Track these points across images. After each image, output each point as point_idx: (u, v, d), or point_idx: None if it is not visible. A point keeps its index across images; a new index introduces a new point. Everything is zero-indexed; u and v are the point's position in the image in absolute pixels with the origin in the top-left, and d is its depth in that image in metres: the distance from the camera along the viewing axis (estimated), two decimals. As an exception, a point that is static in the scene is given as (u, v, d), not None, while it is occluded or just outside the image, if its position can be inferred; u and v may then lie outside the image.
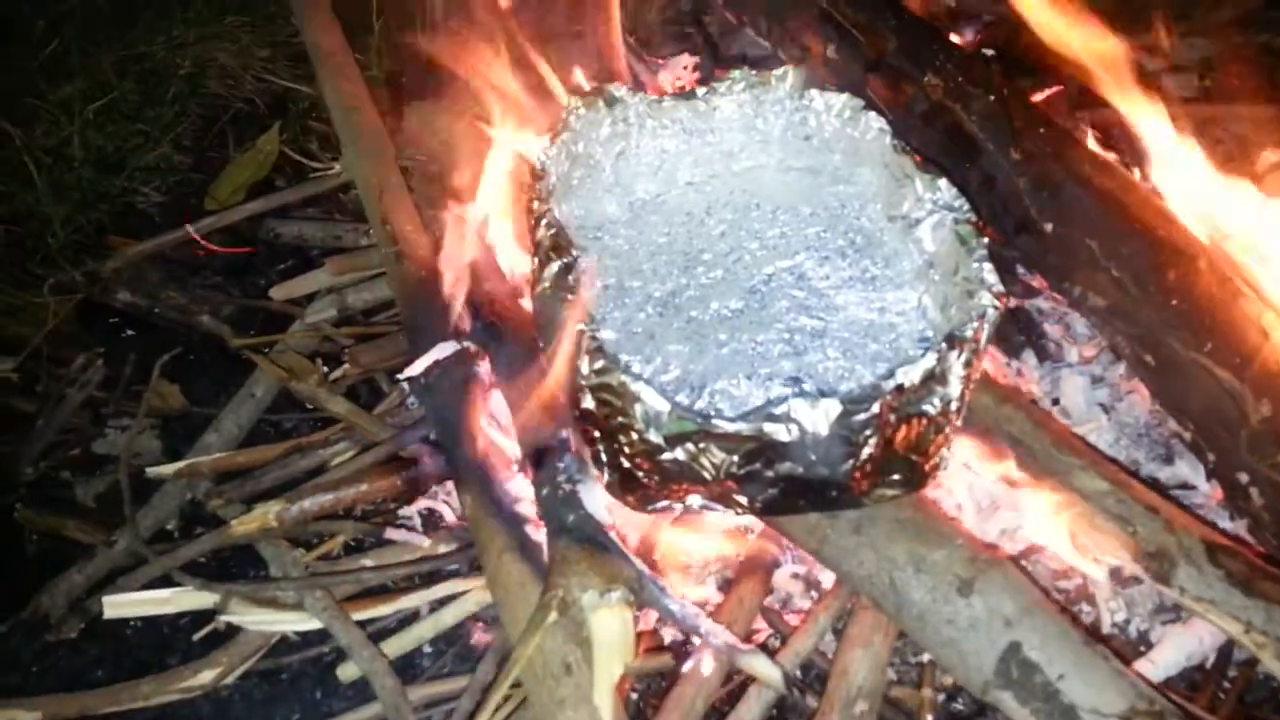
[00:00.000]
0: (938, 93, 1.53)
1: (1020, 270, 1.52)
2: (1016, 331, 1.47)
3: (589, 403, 1.06)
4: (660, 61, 2.02)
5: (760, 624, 1.29)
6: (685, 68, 1.96)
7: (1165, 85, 2.12)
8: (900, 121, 1.49)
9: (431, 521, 1.46)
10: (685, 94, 1.43)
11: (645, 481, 1.07)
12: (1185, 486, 1.38)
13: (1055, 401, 1.43)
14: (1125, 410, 1.45)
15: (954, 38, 1.68)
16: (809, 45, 1.70)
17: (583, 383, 1.06)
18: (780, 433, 0.97)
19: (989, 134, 1.49)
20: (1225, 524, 1.31)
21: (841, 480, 1.03)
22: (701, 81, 1.95)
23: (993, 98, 1.50)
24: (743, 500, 1.07)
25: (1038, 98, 1.63)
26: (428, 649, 1.37)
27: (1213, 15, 2.25)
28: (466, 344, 1.40)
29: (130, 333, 1.85)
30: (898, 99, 1.56)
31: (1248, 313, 1.28)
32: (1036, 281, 1.51)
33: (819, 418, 0.97)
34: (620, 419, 1.04)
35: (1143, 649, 1.23)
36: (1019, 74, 1.62)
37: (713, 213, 1.41)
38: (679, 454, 1.02)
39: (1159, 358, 1.33)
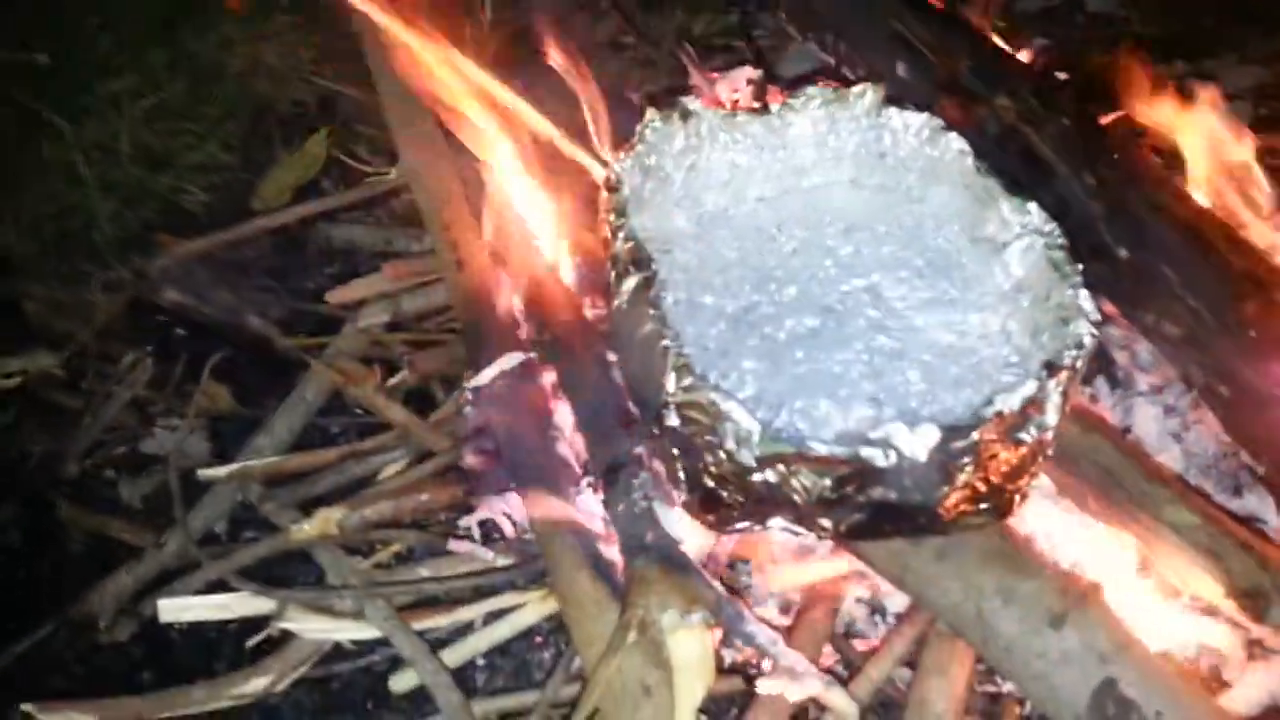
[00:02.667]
0: (1010, 115, 1.52)
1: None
2: (1090, 358, 1.45)
3: (673, 420, 1.04)
4: (715, 75, 2.00)
5: (826, 649, 1.26)
6: (747, 80, 1.94)
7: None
8: (972, 144, 1.48)
9: (487, 533, 1.44)
10: (759, 109, 1.42)
11: (729, 502, 1.05)
12: (1254, 519, 1.36)
13: (1127, 429, 1.41)
14: (1194, 441, 1.42)
15: (1026, 60, 1.66)
16: (877, 64, 1.68)
17: (668, 399, 1.04)
18: (878, 458, 0.95)
19: (1063, 158, 1.47)
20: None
21: (933, 507, 1.01)
22: (758, 95, 1.94)
23: (1066, 121, 1.49)
24: (827, 524, 1.05)
25: (1106, 121, 1.61)
26: (481, 662, 1.35)
27: (1266, 43, 2.24)
28: (531, 355, 1.38)
29: (179, 332, 1.84)
30: (969, 120, 1.54)
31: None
32: (1108, 308, 1.49)
33: (918, 444, 0.95)
34: (707, 437, 1.02)
35: (1214, 685, 1.21)
36: (1090, 98, 1.60)
37: (783, 229, 1.39)
38: (769, 475, 1.00)
39: (1233, 389, 1.31)
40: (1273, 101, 2.14)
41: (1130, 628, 1.00)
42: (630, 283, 1.15)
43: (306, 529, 1.29)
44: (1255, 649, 1.20)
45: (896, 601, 1.28)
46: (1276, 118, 2.11)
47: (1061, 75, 1.59)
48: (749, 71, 2.04)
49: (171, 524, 1.46)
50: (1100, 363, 1.45)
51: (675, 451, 1.09)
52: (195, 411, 1.63)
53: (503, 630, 1.34)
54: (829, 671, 1.24)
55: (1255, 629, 1.05)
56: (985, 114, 1.55)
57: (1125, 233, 1.42)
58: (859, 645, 1.27)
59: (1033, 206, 1.18)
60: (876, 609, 1.31)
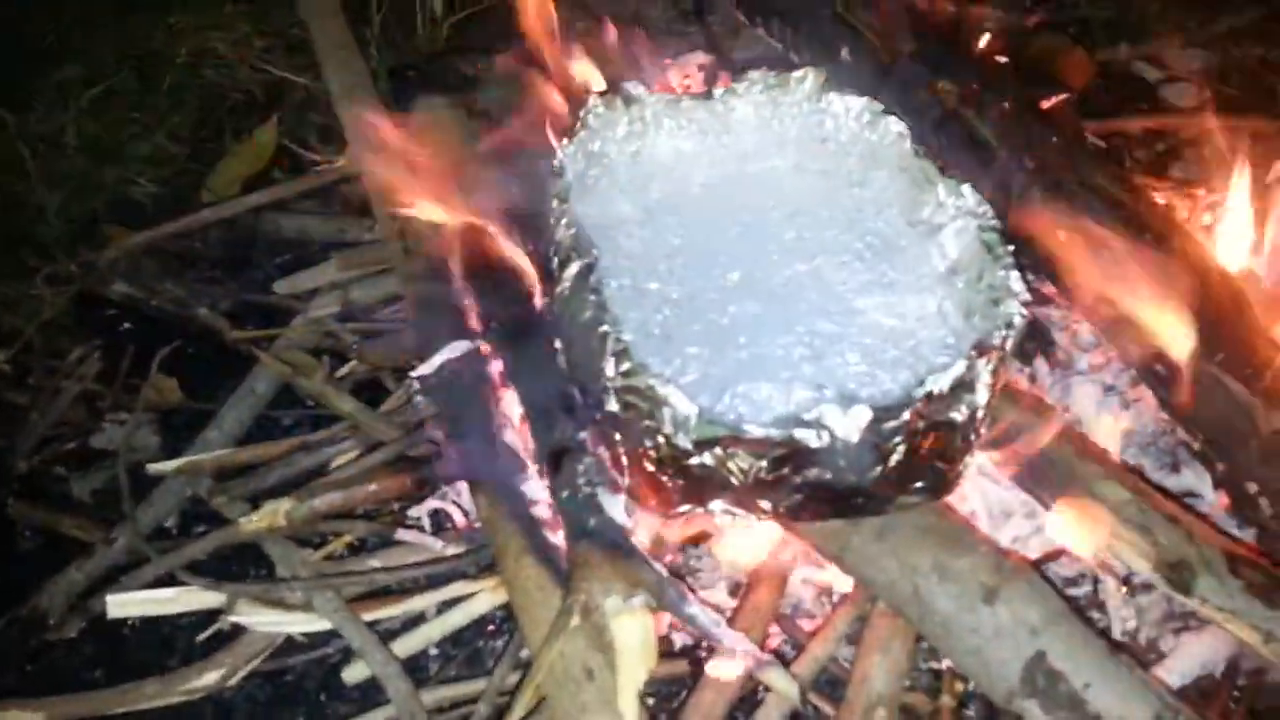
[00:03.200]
0: (952, 99, 1.53)
1: (1030, 277, 1.52)
2: (1027, 338, 1.47)
3: (613, 405, 1.05)
4: (668, 61, 2.01)
5: (773, 629, 1.28)
6: (698, 66, 1.95)
7: (1165, 96, 2.15)
8: (913, 127, 1.50)
9: (438, 523, 1.44)
10: (703, 94, 1.42)
11: (669, 486, 1.07)
12: (1191, 495, 1.39)
13: (1066, 409, 1.43)
14: (1133, 418, 1.45)
15: (968, 44, 1.68)
16: (822, 48, 1.70)
17: (607, 384, 1.05)
18: (811, 438, 0.97)
19: (1003, 141, 1.49)
20: (1233, 534, 1.32)
21: (868, 487, 1.02)
22: (709, 81, 1.95)
23: (1007, 105, 1.51)
24: (766, 506, 1.07)
25: (1047, 105, 1.63)
26: (434, 651, 1.36)
27: (1210, 27, 2.28)
28: (478, 342, 1.38)
29: (127, 325, 1.82)
30: (911, 104, 1.56)
31: (1259, 324, 1.29)
32: (1047, 288, 1.52)
33: (850, 424, 0.96)
34: (646, 422, 1.03)
35: (1151, 656, 1.24)
36: (1029, 82, 1.62)
37: (728, 214, 1.40)
38: (706, 458, 1.01)
39: (1169, 367, 1.34)
40: (1218, 84, 2.18)
41: (1060, 600, 1.02)
42: (572, 269, 1.16)
43: (255, 521, 1.29)
44: (1185, 621, 1.24)
45: (843, 582, 1.30)
46: (1220, 100, 2.15)
47: (1002, 59, 1.60)
48: (700, 57, 2.05)
49: (122, 519, 1.45)
50: (1039, 343, 1.47)
51: (616, 436, 1.10)
52: (144, 405, 1.62)
53: (455, 619, 1.35)
54: (776, 652, 1.26)
55: (1183, 600, 1.07)
56: (927, 98, 1.56)
57: (1063, 214, 1.44)
58: (806, 625, 1.29)
59: (966, 189, 1.20)
60: (823, 589, 1.32)
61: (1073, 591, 1.29)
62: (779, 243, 1.35)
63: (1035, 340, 1.48)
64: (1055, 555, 1.25)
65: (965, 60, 1.59)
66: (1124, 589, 1.24)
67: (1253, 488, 1.26)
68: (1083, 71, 1.86)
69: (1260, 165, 1.71)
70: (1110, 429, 1.40)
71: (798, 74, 1.39)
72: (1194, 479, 1.39)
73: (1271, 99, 2.04)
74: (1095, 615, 1.28)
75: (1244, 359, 1.27)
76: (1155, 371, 1.36)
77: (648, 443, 1.04)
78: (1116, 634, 1.25)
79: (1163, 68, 2.22)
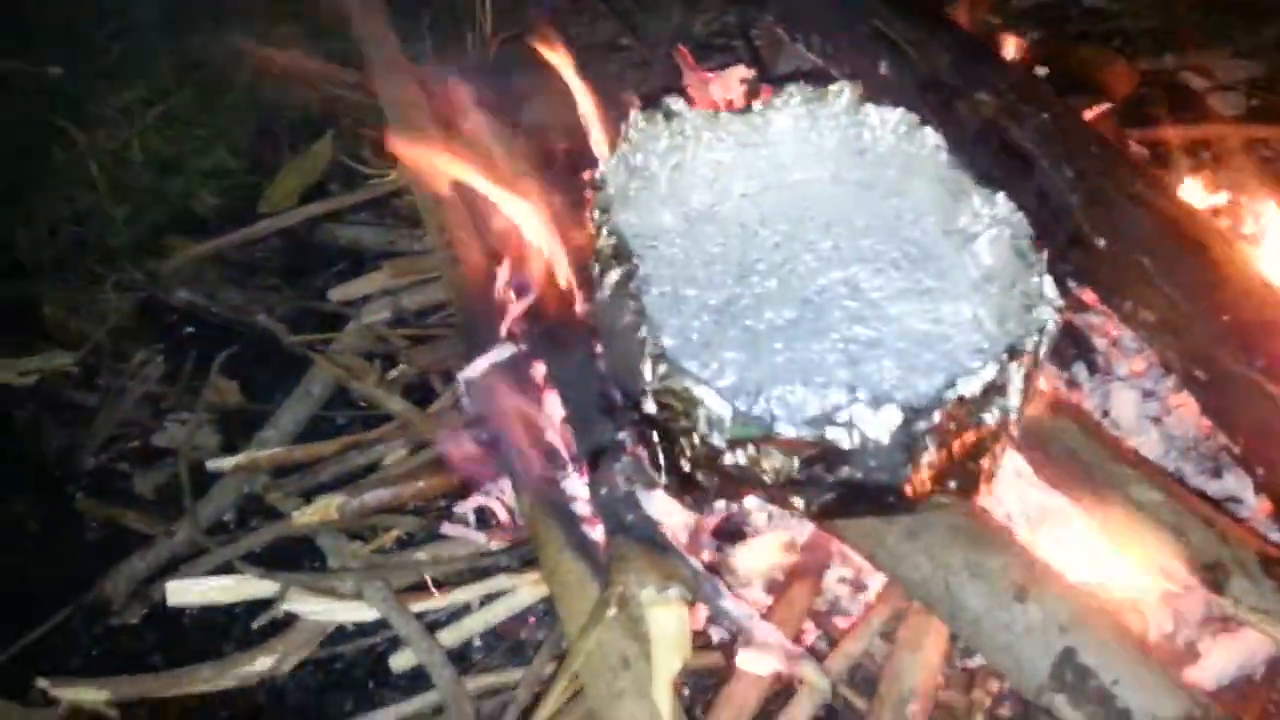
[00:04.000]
0: (990, 110, 1.55)
1: (1072, 285, 1.53)
2: (1068, 345, 1.49)
3: (650, 407, 1.09)
4: (710, 75, 2.04)
5: (808, 625, 1.30)
6: (740, 80, 1.99)
7: (1213, 105, 2.14)
8: (953, 138, 1.52)
9: (483, 518, 1.49)
10: (742, 108, 1.46)
11: (704, 484, 1.10)
12: (1233, 500, 1.38)
13: (1105, 414, 1.44)
14: (1174, 424, 1.45)
15: (1005, 56, 1.70)
16: (861, 61, 1.72)
17: (645, 387, 1.08)
18: (842, 439, 0.99)
19: (1042, 151, 1.50)
20: (1274, 537, 1.32)
21: (899, 486, 1.05)
22: (751, 95, 1.98)
23: (1046, 115, 1.52)
24: (799, 503, 1.09)
25: (1088, 115, 1.64)
26: (478, 642, 1.40)
27: (1256, 36, 2.26)
28: (522, 347, 1.43)
29: (189, 330, 1.90)
30: (950, 116, 1.58)
31: (1299, 330, 1.29)
32: (1087, 296, 1.53)
33: (880, 425, 0.99)
34: (682, 422, 1.06)
35: (1190, 659, 1.24)
36: (1069, 91, 1.63)
37: (766, 224, 1.43)
38: (739, 458, 1.04)
39: (1209, 373, 1.34)
40: (1264, 93, 2.17)
41: (1091, 600, 1.03)
42: (612, 276, 1.20)
43: (307, 514, 1.34)
44: (1223, 624, 1.24)
45: (878, 580, 1.32)
46: (1268, 109, 2.14)
47: (1041, 70, 1.62)
48: (742, 71, 2.08)
49: (182, 513, 1.52)
50: (1079, 349, 1.48)
51: (654, 437, 1.14)
52: (204, 406, 1.68)
53: (498, 611, 1.39)
54: (810, 648, 1.28)
55: (1217, 601, 1.08)
56: (966, 109, 1.58)
57: (1103, 223, 1.45)
58: (841, 622, 1.30)
59: (1000, 197, 1.22)
60: (858, 587, 1.34)
61: (1111, 593, 1.30)
62: (815, 251, 1.38)
63: (1075, 346, 1.48)
64: (1089, 557, 1.25)
65: (1003, 72, 1.60)
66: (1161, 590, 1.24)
67: (1293, 494, 1.26)
68: (1125, 81, 1.86)
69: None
70: (1150, 434, 1.40)
71: (835, 87, 1.42)
72: (1235, 484, 1.39)
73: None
74: (1133, 616, 1.28)
75: (1283, 364, 1.27)
76: (1194, 377, 1.36)
77: (684, 442, 1.07)
78: (1153, 635, 1.25)
79: (1209, 77, 2.21)
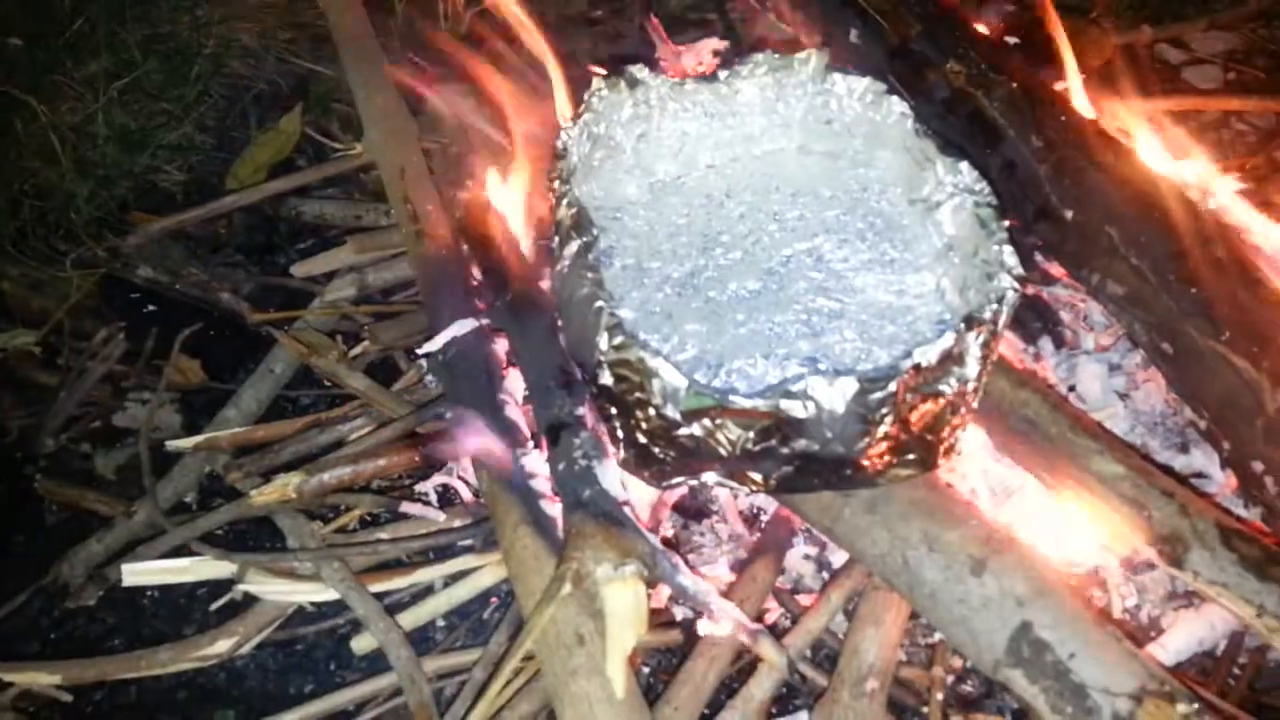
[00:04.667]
0: (960, 79, 1.53)
1: (1039, 257, 1.52)
2: (1034, 318, 1.47)
3: (607, 379, 1.07)
4: (682, 47, 2.02)
5: (771, 603, 1.29)
6: (712, 52, 1.96)
7: (1189, 78, 2.13)
8: (922, 107, 1.49)
9: (447, 497, 1.47)
10: (707, 77, 1.43)
11: (661, 457, 1.08)
12: (1199, 475, 1.38)
13: (1071, 388, 1.43)
14: (1141, 398, 1.45)
15: (976, 25, 1.67)
16: (831, 30, 1.70)
17: (601, 358, 1.06)
18: (797, 409, 0.98)
19: (1010, 121, 1.48)
20: (1239, 513, 1.31)
21: (856, 458, 1.03)
22: (723, 66, 1.95)
23: (1015, 85, 1.50)
24: (757, 478, 1.08)
25: (1059, 86, 1.62)
26: (441, 623, 1.39)
27: (1236, 9, 2.24)
28: (484, 321, 1.41)
29: (151, 308, 1.87)
30: (919, 85, 1.56)
31: (1266, 302, 1.28)
32: (1055, 268, 1.51)
33: (836, 395, 0.97)
34: (638, 395, 1.04)
35: (1153, 634, 1.23)
36: (1040, 61, 1.61)
37: (732, 195, 1.41)
38: (695, 430, 1.03)
39: (1176, 346, 1.33)
40: (1241, 66, 2.15)
41: (1048, 573, 1.02)
42: (571, 248, 1.18)
43: (265, 494, 1.31)
44: (1186, 598, 1.23)
45: (841, 557, 1.31)
46: (1245, 82, 2.12)
47: (1012, 39, 1.59)
48: (715, 43, 2.06)
49: (144, 494, 1.49)
50: (1045, 322, 1.47)
51: (612, 410, 1.12)
52: (166, 385, 1.66)
53: (460, 592, 1.37)
54: (773, 626, 1.27)
55: (1178, 575, 1.07)
56: (935, 78, 1.56)
57: (1070, 193, 1.43)
58: (804, 600, 1.29)
59: (964, 166, 1.20)
60: (822, 565, 1.33)
61: (1074, 569, 1.29)
62: (781, 222, 1.36)
63: (1041, 319, 1.47)
64: (1053, 532, 1.25)
65: (974, 41, 1.58)
66: (1124, 566, 1.24)
67: (1259, 466, 1.25)
68: (1100, 52, 1.84)
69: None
70: (1116, 408, 1.39)
71: (801, 55, 1.40)
72: (1203, 459, 1.38)
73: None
74: (1097, 592, 1.28)
75: (1251, 336, 1.26)
76: (1161, 350, 1.35)
77: (640, 415, 1.06)
78: (1117, 611, 1.25)
79: (1186, 50, 2.19)
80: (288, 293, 1.85)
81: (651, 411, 1.04)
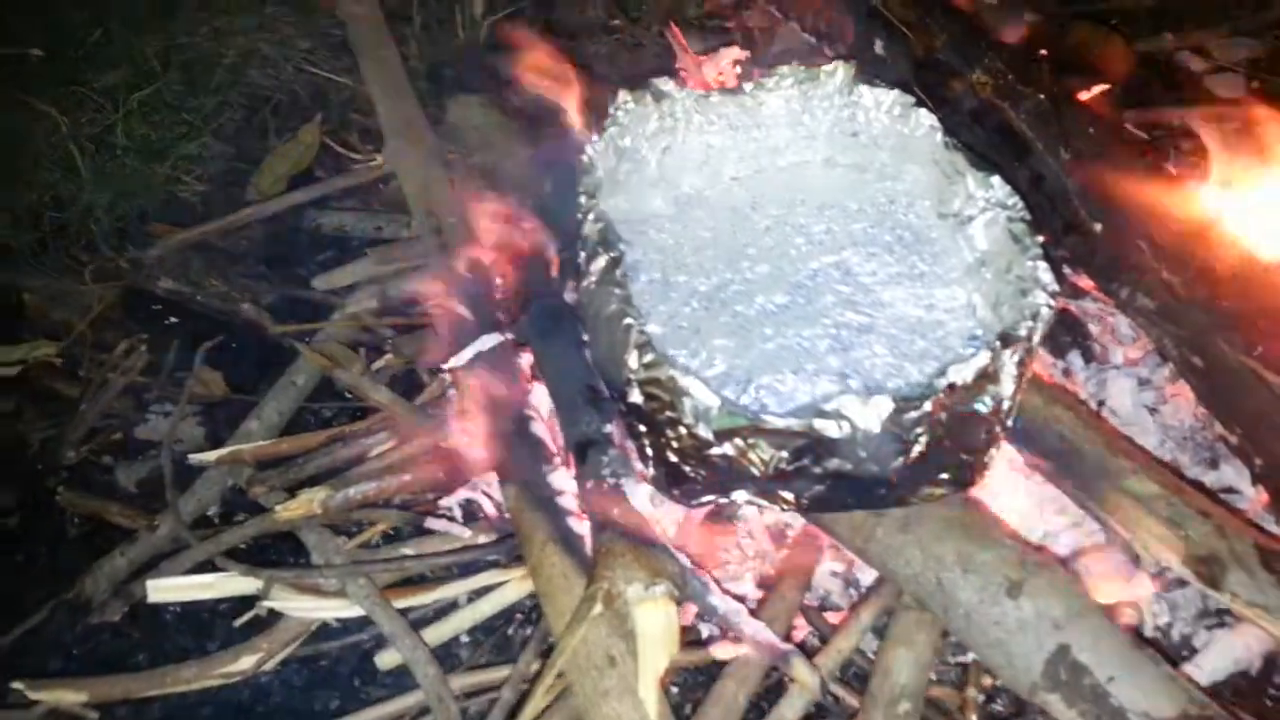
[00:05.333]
0: (987, 91, 1.52)
1: (1067, 270, 1.51)
2: (1063, 332, 1.46)
3: (636, 397, 1.06)
4: (703, 58, 2.01)
5: (799, 621, 1.28)
6: (733, 62, 1.95)
7: (1212, 86, 2.11)
8: (948, 119, 1.48)
9: (471, 512, 1.46)
10: (732, 89, 1.43)
11: (691, 476, 1.07)
12: (1230, 491, 1.36)
13: (1101, 403, 1.41)
14: (1170, 413, 1.43)
15: (1002, 36, 1.66)
16: (856, 42, 1.69)
17: (630, 376, 1.06)
18: (831, 429, 0.97)
19: (1038, 133, 1.47)
20: (1271, 529, 1.30)
21: (890, 478, 1.02)
22: (744, 77, 1.94)
23: (1042, 96, 1.49)
24: (789, 497, 1.07)
25: (1085, 96, 1.61)
26: (465, 639, 1.37)
27: (1258, 16, 2.23)
28: (508, 336, 1.40)
29: (173, 320, 1.86)
30: (946, 96, 1.55)
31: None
32: (1083, 282, 1.50)
33: (871, 415, 0.96)
34: (668, 413, 1.04)
35: (1185, 654, 1.22)
36: (1067, 73, 1.60)
37: (758, 208, 1.41)
38: (727, 449, 1.02)
39: (1207, 360, 1.32)
40: (1264, 74, 2.13)
41: (1086, 595, 1.01)
42: (599, 263, 1.17)
43: (290, 509, 1.31)
44: (1219, 617, 1.22)
45: (870, 575, 1.30)
46: (1268, 90, 2.10)
47: (1039, 50, 1.58)
48: (735, 53, 2.05)
49: (166, 507, 1.49)
50: (1074, 336, 1.45)
51: (641, 428, 1.11)
52: (189, 397, 1.65)
53: (485, 608, 1.36)
54: (801, 644, 1.26)
55: (1214, 595, 1.06)
56: (962, 90, 1.55)
57: (1100, 206, 1.42)
58: (832, 618, 1.28)
59: (996, 180, 1.19)
60: (850, 582, 1.32)
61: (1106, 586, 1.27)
62: (808, 236, 1.35)
63: (1070, 333, 1.46)
64: (1083, 552, 1.23)
65: (1000, 52, 1.57)
66: (1157, 584, 1.22)
67: (1292, 484, 1.23)
68: (1123, 62, 1.83)
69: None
70: (1146, 423, 1.38)
71: (828, 67, 1.39)
72: (1233, 475, 1.37)
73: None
74: (1129, 611, 1.26)
75: (1284, 352, 1.25)
76: (1191, 364, 1.34)
77: (670, 434, 1.05)
78: (1149, 630, 1.23)
79: (1208, 58, 2.17)
80: (309, 304, 1.84)
81: (682, 430, 1.03)
